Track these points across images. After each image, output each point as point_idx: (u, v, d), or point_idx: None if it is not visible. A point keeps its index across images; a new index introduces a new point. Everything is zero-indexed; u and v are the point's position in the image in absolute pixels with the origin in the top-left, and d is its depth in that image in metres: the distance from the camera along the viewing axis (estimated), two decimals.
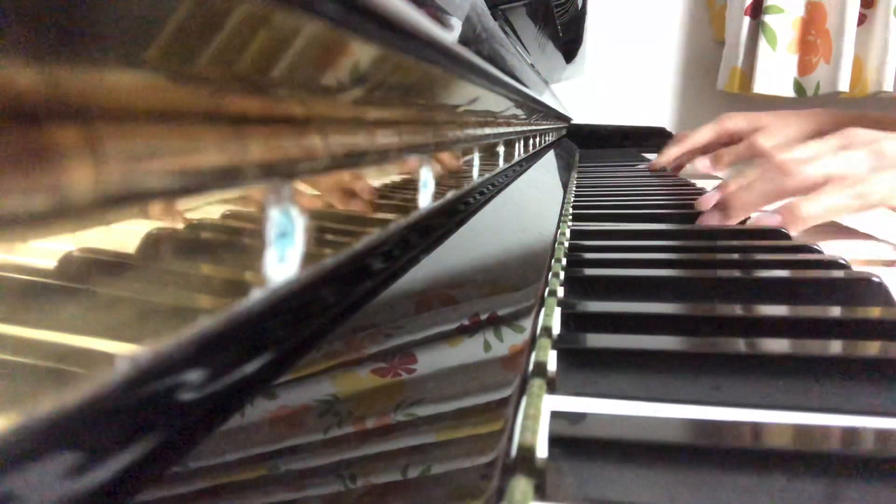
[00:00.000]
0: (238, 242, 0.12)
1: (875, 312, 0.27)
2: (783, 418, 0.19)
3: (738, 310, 0.28)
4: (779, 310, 0.28)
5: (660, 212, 0.57)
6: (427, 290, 0.23)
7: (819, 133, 0.87)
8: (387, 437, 0.15)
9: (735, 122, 0.97)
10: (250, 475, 0.12)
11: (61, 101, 0.07)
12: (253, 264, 0.13)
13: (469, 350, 0.21)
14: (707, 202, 0.55)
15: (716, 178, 0.95)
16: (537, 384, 0.20)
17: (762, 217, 0.50)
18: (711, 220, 0.53)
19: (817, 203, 0.49)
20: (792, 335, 0.25)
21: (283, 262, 0.13)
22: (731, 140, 0.96)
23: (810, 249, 0.39)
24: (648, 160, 1.12)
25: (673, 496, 0.15)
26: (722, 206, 0.53)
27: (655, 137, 1.50)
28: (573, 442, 0.17)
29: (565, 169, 0.93)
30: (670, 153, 1.02)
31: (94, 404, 0.09)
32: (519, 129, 0.55)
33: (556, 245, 0.41)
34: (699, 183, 0.81)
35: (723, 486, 0.16)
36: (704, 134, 0.99)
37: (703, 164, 0.96)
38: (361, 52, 0.15)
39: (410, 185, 0.23)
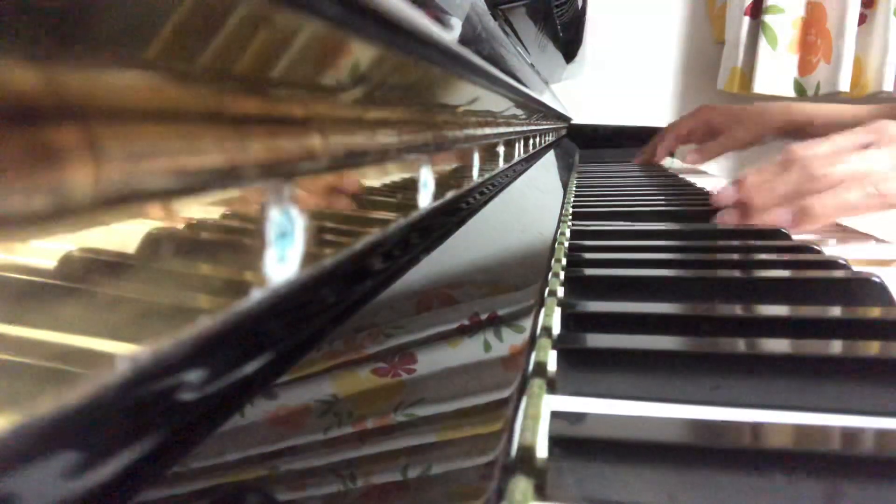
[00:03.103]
0: (238, 242, 0.12)
1: (875, 312, 0.27)
2: (783, 418, 0.19)
3: (738, 310, 0.28)
4: (779, 310, 0.28)
5: (660, 209, 0.57)
6: (427, 290, 0.23)
7: (791, 123, 0.91)
8: (387, 437, 0.15)
9: (713, 114, 1.03)
10: (250, 475, 0.12)
11: (61, 101, 0.07)
12: (253, 264, 0.13)
13: (469, 350, 0.21)
14: (724, 199, 0.53)
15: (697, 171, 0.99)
16: (537, 384, 0.20)
17: (776, 214, 0.49)
18: (730, 220, 0.52)
19: (833, 200, 0.47)
20: (792, 335, 0.25)
21: (283, 262, 0.13)
22: (708, 130, 1.02)
23: (810, 249, 0.39)
24: None
25: (673, 496, 0.15)
26: (742, 206, 0.52)
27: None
28: (573, 442, 0.17)
29: (565, 169, 0.93)
30: (660, 152, 1.07)
31: (94, 404, 0.09)
32: (519, 129, 0.55)
33: (556, 245, 0.41)
34: (698, 183, 0.81)
35: (723, 486, 0.16)
36: (684, 124, 1.07)
37: (691, 157, 1.02)
38: (361, 52, 0.15)
39: (410, 185, 0.23)
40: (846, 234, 0.53)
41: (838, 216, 0.49)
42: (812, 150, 0.50)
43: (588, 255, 0.39)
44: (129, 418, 0.10)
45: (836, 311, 0.27)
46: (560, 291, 0.31)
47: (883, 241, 0.51)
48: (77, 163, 0.07)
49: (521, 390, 0.19)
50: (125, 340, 0.09)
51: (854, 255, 0.44)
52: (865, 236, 0.52)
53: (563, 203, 0.59)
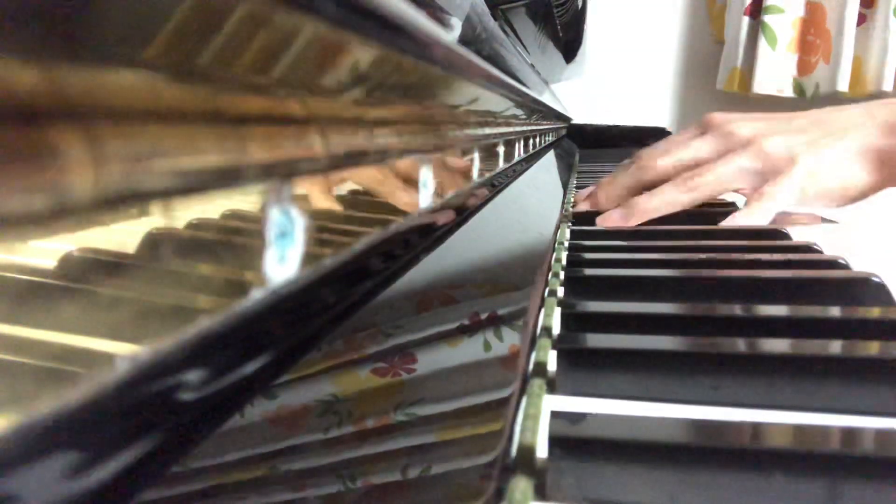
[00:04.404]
0: (238, 242, 0.12)
1: (875, 312, 0.27)
2: (783, 418, 0.19)
3: (737, 310, 0.28)
4: (779, 310, 0.28)
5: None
6: (427, 290, 0.23)
7: None
8: (387, 437, 0.15)
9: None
10: (250, 475, 0.12)
11: (61, 101, 0.07)
12: (253, 264, 0.13)
13: (469, 350, 0.21)
14: (582, 195, 0.59)
15: None
16: (537, 384, 0.20)
17: (612, 213, 0.52)
18: (583, 207, 0.57)
19: (652, 197, 0.51)
20: (792, 335, 0.25)
21: (283, 262, 0.13)
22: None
23: (810, 249, 0.39)
24: None
25: (673, 496, 0.15)
26: (591, 197, 0.57)
27: (655, 137, 1.50)
28: (573, 442, 0.17)
29: (565, 169, 0.93)
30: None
31: (94, 404, 0.09)
32: (519, 129, 0.55)
33: (557, 245, 0.41)
34: None
35: (723, 486, 0.16)
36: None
37: None
38: (361, 52, 0.15)
39: (410, 185, 0.23)
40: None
41: (663, 212, 0.50)
42: (649, 148, 0.55)
43: (588, 255, 0.39)
44: (129, 418, 0.10)
45: (836, 311, 0.27)
46: (560, 291, 0.31)
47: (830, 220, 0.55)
48: (77, 163, 0.07)
49: (521, 390, 0.19)
50: (125, 340, 0.09)
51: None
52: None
53: (564, 203, 0.59)
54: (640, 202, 0.51)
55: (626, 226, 0.51)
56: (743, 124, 0.52)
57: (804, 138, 0.49)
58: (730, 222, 0.49)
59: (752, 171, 0.50)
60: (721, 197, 0.67)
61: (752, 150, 0.50)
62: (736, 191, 0.52)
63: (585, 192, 0.59)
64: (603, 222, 0.52)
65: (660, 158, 0.53)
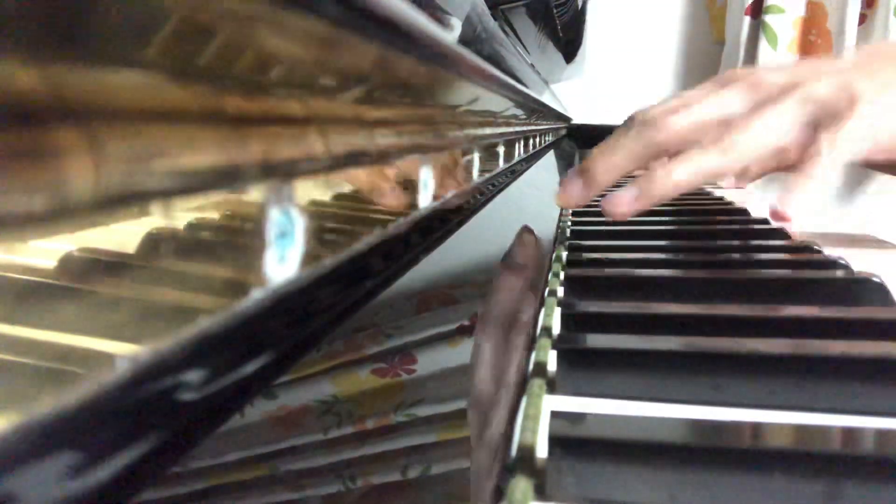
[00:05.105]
0: (238, 242, 0.12)
1: (875, 312, 0.27)
2: (783, 418, 0.19)
3: (738, 310, 0.28)
4: (779, 310, 0.28)
5: (661, 208, 0.57)
6: (427, 290, 0.23)
7: None
8: (387, 437, 0.15)
9: None
10: (250, 475, 0.12)
11: (61, 101, 0.07)
12: (253, 264, 0.13)
13: (469, 350, 0.21)
14: (570, 179, 0.42)
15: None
16: (537, 384, 0.20)
17: (621, 194, 0.38)
18: (572, 189, 0.40)
19: (676, 165, 0.37)
20: (792, 335, 0.25)
21: (283, 262, 0.13)
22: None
23: (810, 249, 0.39)
24: None
25: (673, 496, 0.15)
26: (583, 172, 0.40)
27: None
28: (573, 442, 0.17)
29: (565, 169, 0.93)
30: None
31: (94, 404, 0.09)
32: (519, 129, 0.55)
33: (556, 245, 0.41)
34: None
35: (723, 486, 0.16)
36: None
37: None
38: (361, 52, 0.15)
39: (410, 185, 0.23)
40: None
41: (695, 184, 0.37)
42: (652, 106, 0.40)
43: (588, 255, 0.39)
44: (129, 418, 0.10)
45: (836, 311, 0.27)
46: (560, 291, 0.31)
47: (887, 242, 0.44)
48: (77, 163, 0.07)
49: (521, 390, 0.19)
50: (125, 340, 0.09)
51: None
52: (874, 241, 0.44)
53: None
54: (659, 175, 0.37)
55: (644, 208, 0.38)
56: (776, 72, 0.39)
57: (861, 73, 0.38)
58: (785, 199, 0.37)
59: (800, 123, 0.37)
60: (718, 194, 0.67)
61: (798, 95, 0.37)
62: (777, 168, 0.41)
63: (572, 172, 0.41)
64: (613, 208, 0.38)
65: (673, 116, 0.38)
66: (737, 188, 0.75)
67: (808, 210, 0.37)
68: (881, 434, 0.18)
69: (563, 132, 1.44)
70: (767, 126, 0.37)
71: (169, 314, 0.10)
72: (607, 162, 0.39)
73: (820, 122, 0.37)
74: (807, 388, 0.21)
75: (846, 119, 0.36)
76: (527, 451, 0.16)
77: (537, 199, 0.53)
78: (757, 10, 1.54)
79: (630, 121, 0.40)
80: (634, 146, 0.39)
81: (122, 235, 0.09)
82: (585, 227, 0.49)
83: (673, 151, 0.38)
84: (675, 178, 0.36)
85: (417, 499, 0.13)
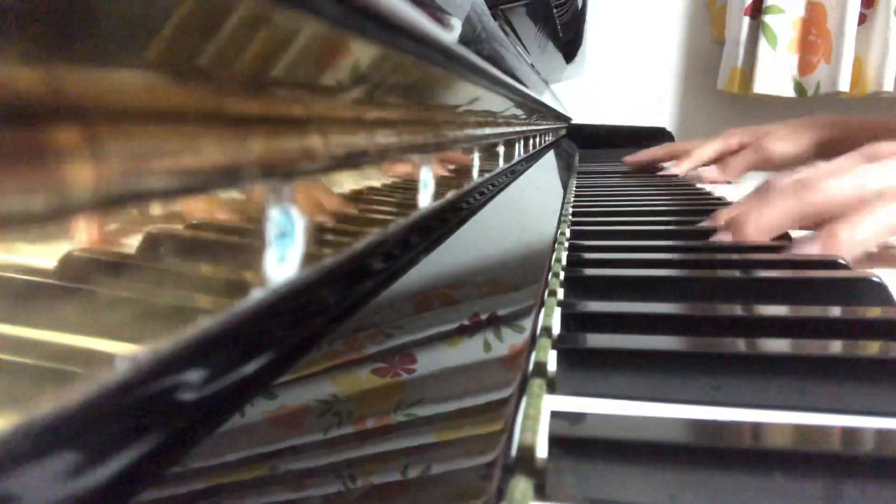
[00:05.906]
0: (238, 242, 0.12)
1: (875, 312, 0.27)
2: (783, 418, 0.19)
3: (738, 310, 0.28)
4: (779, 310, 0.28)
5: (661, 209, 0.57)
6: (427, 290, 0.23)
7: (829, 140, 0.79)
8: (387, 437, 0.15)
9: (740, 136, 0.91)
10: (250, 475, 0.12)
11: (61, 101, 0.07)
12: (253, 264, 0.13)
13: (469, 350, 0.21)
14: (720, 218, 0.46)
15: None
16: (537, 384, 0.20)
17: (799, 243, 0.41)
18: (725, 240, 0.44)
19: (862, 224, 0.39)
20: (792, 335, 0.25)
21: (283, 262, 0.13)
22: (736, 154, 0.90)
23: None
24: None
25: (673, 496, 0.15)
26: (735, 225, 0.44)
27: (655, 138, 1.50)
28: (573, 442, 0.17)
29: (565, 169, 0.93)
30: (681, 168, 0.95)
31: (94, 404, 0.09)
32: (519, 129, 0.55)
33: (557, 245, 0.41)
34: (700, 187, 0.81)
35: (723, 486, 0.16)
36: (709, 149, 0.94)
37: (710, 174, 0.90)
38: (361, 52, 0.15)
39: (410, 185, 0.23)
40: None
41: (875, 242, 0.40)
42: (801, 171, 0.44)
43: (588, 255, 0.39)
44: (129, 418, 0.10)
45: (836, 311, 0.27)
46: (560, 291, 0.31)
47: None
48: (77, 163, 0.07)
49: (521, 390, 0.19)
50: (125, 340, 0.09)
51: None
52: None
53: (564, 203, 0.59)
54: (843, 232, 0.39)
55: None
56: None
57: None
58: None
59: None
60: (719, 194, 0.67)
61: None
62: None
63: (723, 215, 0.46)
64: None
65: (834, 179, 0.41)
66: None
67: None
68: (881, 434, 0.18)
69: (563, 132, 1.44)
70: None
71: (169, 314, 0.10)
72: (762, 222, 0.42)
73: None
74: (807, 388, 0.21)
75: None
76: (527, 452, 0.16)
77: (537, 199, 0.53)
78: (756, 10, 1.54)
79: (791, 182, 0.43)
80: (792, 208, 0.42)
81: (122, 235, 0.09)
82: (585, 228, 0.49)
83: (826, 216, 0.41)
84: (862, 236, 0.39)
85: (417, 499, 0.13)
